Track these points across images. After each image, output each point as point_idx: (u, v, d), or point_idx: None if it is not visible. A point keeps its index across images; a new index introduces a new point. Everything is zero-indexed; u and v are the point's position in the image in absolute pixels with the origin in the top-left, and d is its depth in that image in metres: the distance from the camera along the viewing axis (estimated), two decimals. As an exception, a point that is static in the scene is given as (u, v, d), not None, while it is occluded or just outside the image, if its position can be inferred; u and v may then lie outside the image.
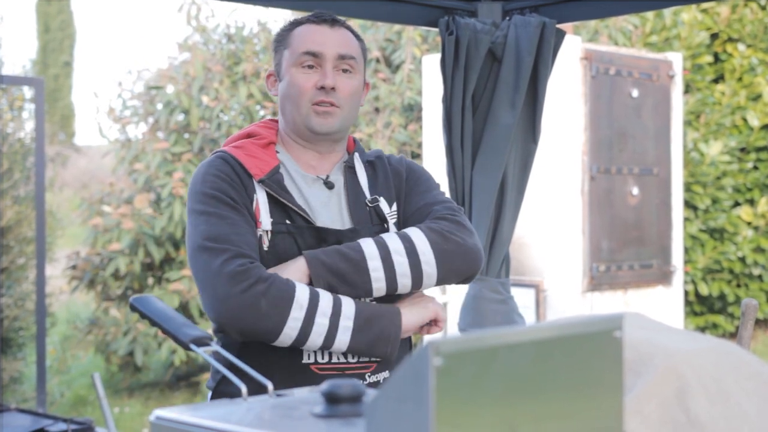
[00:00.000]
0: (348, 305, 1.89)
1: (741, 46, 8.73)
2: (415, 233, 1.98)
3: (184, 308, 6.98)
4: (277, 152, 2.09)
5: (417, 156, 7.31)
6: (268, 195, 1.98)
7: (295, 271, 1.90)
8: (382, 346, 1.92)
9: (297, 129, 2.07)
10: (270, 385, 1.30)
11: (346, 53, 2.06)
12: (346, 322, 1.88)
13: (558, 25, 3.03)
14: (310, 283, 1.90)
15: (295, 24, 2.12)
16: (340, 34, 2.09)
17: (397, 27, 7.66)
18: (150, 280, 7.43)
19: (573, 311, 5.42)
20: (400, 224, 2.08)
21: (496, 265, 3.08)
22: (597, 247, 5.61)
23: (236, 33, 7.91)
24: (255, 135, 2.11)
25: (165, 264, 7.35)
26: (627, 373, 1.31)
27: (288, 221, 1.98)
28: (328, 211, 2.04)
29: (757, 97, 8.62)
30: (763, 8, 8.82)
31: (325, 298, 1.88)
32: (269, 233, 1.96)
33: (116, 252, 7.11)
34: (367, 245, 1.94)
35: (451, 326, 5.60)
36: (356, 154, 2.15)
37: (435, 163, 5.70)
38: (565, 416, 1.04)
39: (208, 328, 6.70)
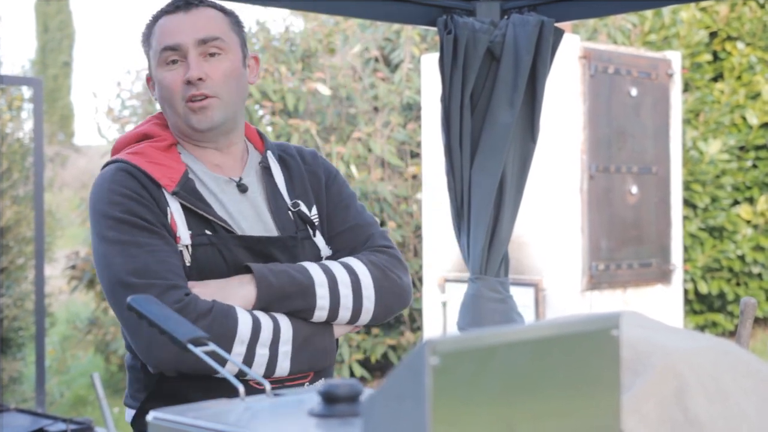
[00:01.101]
0: (286, 328, 1.83)
1: (740, 45, 8.73)
2: (359, 267, 1.92)
3: (183, 308, 6.98)
4: (180, 153, 1.92)
5: (416, 155, 7.31)
6: (183, 206, 1.83)
7: (242, 297, 1.80)
8: (320, 361, 1.88)
9: (181, 129, 1.92)
10: (267, 385, 1.29)
11: (206, 36, 1.87)
12: (285, 348, 1.81)
13: (556, 24, 3.03)
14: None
15: (154, 19, 1.93)
16: (197, 17, 1.89)
17: (395, 26, 7.66)
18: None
19: (572, 310, 5.42)
20: (324, 233, 2.00)
21: (495, 265, 3.08)
22: (596, 246, 5.61)
23: (235, 32, 7.89)
24: (151, 136, 1.93)
25: (164, 264, 7.35)
26: (625, 372, 1.31)
27: (208, 231, 1.83)
28: (246, 217, 1.91)
29: (756, 96, 8.62)
30: (761, 6, 8.82)
31: (266, 327, 1.80)
32: (189, 247, 1.81)
33: (115, 252, 7.10)
34: (316, 271, 1.87)
35: (450, 325, 5.60)
36: (269, 153, 2.01)
37: (434, 162, 5.70)
38: (562, 415, 1.04)
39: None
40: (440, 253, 5.79)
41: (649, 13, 8.46)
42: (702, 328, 8.47)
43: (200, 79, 1.86)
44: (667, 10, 8.44)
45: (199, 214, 1.84)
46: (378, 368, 7.29)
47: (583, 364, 1.06)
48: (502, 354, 0.98)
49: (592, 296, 5.59)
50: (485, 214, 3.02)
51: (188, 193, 1.84)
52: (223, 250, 1.83)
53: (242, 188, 1.93)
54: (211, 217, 1.84)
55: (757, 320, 9.03)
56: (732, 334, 8.54)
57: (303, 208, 1.97)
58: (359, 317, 1.92)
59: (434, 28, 3.09)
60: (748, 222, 8.42)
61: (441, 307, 5.71)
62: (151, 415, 1.19)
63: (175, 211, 1.83)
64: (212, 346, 1.41)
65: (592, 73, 5.59)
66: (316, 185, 2.03)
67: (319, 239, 1.98)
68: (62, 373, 7.73)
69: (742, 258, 8.36)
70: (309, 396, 1.25)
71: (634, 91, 5.83)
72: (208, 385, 1.75)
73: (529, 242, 5.48)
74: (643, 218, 5.92)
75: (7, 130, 6.87)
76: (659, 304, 5.99)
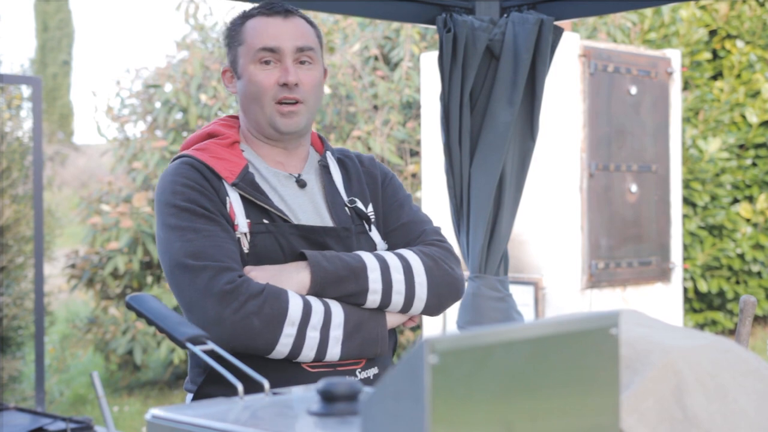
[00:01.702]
0: (337, 313, 1.89)
1: (739, 43, 8.73)
2: (410, 256, 1.99)
3: (183, 307, 6.98)
4: (242, 150, 2.04)
5: (416, 154, 7.30)
6: (242, 197, 1.94)
7: (297, 282, 1.88)
8: (371, 348, 1.93)
9: (261, 128, 2.03)
10: (266, 384, 1.29)
11: (304, 45, 2.00)
12: (336, 332, 1.88)
13: (556, 22, 3.02)
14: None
15: (245, 17, 2.04)
16: (295, 25, 2.02)
17: (395, 24, 7.66)
18: (149, 279, 7.43)
19: (572, 308, 5.42)
20: (380, 230, 2.08)
21: (494, 263, 3.08)
22: (596, 245, 5.61)
23: (234, 31, 7.89)
24: (217, 134, 2.05)
25: (164, 262, 7.35)
26: (624, 370, 1.31)
27: (266, 221, 1.93)
28: (304, 209, 2.00)
29: (755, 94, 8.62)
30: (761, 5, 8.82)
31: (317, 311, 1.87)
32: (248, 235, 1.91)
33: (115, 251, 7.11)
34: (368, 257, 1.95)
35: (450, 324, 5.60)
36: (328, 153, 2.11)
37: (434, 160, 5.70)
38: (561, 414, 1.04)
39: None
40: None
41: (648, 12, 8.46)
42: (702, 326, 8.47)
43: (296, 84, 1.98)
44: (666, 9, 8.44)
45: (257, 205, 1.94)
46: (378, 367, 7.28)
47: (582, 362, 1.06)
48: (500, 352, 0.98)
49: (591, 294, 5.59)
50: (485, 213, 3.02)
51: (247, 184, 1.94)
52: (279, 238, 1.92)
53: (301, 183, 2.03)
54: (268, 207, 1.93)
55: (756, 318, 9.03)
56: (732, 333, 8.55)
57: (359, 204, 2.06)
58: (412, 304, 1.97)
59: (434, 27, 3.08)
60: (748, 220, 8.42)
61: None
62: (149, 414, 1.19)
63: (234, 201, 1.93)
64: (210, 345, 1.41)
65: (592, 71, 5.59)
66: (373, 185, 2.12)
67: (375, 234, 2.06)
68: (62, 371, 7.74)
69: (741, 256, 8.36)
70: (308, 395, 1.25)
71: (633, 90, 5.83)
72: (260, 365, 1.80)
73: (529, 240, 5.48)
74: (643, 216, 5.92)
75: (6, 129, 6.87)
76: (659, 303, 5.99)
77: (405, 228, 2.09)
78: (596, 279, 5.59)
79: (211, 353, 1.39)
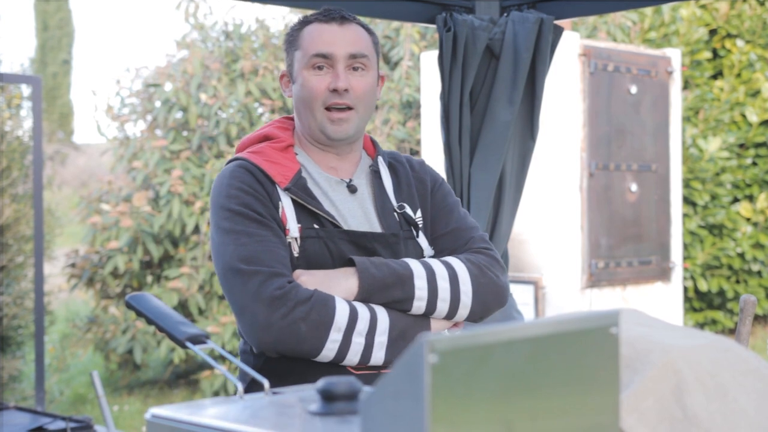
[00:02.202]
0: (383, 319, 1.93)
1: (740, 42, 8.73)
2: (456, 263, 2.03)
3: (183, 306, 6.98)
4: (296, 154, 2.07)
5: (416, 153, 7.31)
6: (294, 201, 1.97)
7: (345, 288, 1.92)
8: None
9: (313, 133, 2.06)
10: (266, 383, 1.29)
11: (357, 52, 2.03)
12: (381, 338, 1.92)
13: (556, 22, 3.02)
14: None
15: (304, 23, 2.09)
16: (350, 32, 2.05)
17: (395, 24, 7.66)
18: (149, 278, 7.43)
19: (572, 308, 5.42)
20: (427, 235, 2.11)
21: (494, 262, 3.08)
22: (596, 244, 5.61)
23: (234, 30, 7.90)
24: (272, 137, 2.09)
25: (164, 262, 7.35)
26: (624, 369, 1.31)
27: (316, 225, 1.97)
28: (354, 215, 2.04)
29: (755, 93, 8.62)
30: (761, 4, 8.82)
31: (363, 317, 1.90)
32: (298, 239, 1.95)
33: (115, 250, 7.10)
34: (415, 265, 1.98)
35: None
36: (379, 158, 2.14)
37: (434, 160, 5.70)
38: (561, 413, 1.04)
39: (206, 326, 6.70)
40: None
41: (648, 11, 8.46)
42: (702, 325, 8.47)
43: (346, 90, 2.01)
44: (666, 8, 8.44)
45: (308, 209, 1.97)
46: (378, 366, 7.28)
47: (582, 361, 1.06)
48: (500, 352, 0.98)
49: (591, 294, 5.59)
50: (485, 212, 3.02)
51: (299, 189, 1.98)
52: (329, 243, 1.96)
53: (352, 189, 2.06)
54: (319, 212, 1.97)
55: (756, 318, 9.03)
56: (732, 332, 8.55)
57: (408, 210, 2.09)
58: (456, 311, 2.01)
59: (434, 26, 3.08)
60: (748, 220, 8.42)
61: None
62: (149, 414, 1.19)
63: (287, 205, 1.97)
64: (211, 344, 1.41)
65: (592, 70, 5.58)
66: (422, 191, 2.15)
67: (422, 240, 2.09)
68: (62, 371, 7.74)
69: (741, 255, 8.36)
70: (308, 394, 1.24)
71: (633, 89, 5.83)
72: (308, 366, 1.88)
73: (529, 240, 5.48)
74: (643, 216, 5.92)
75: (6, 129, 6.87)
76: (659, 302, 5.99)
77: (453, 234, 2.12)
78: (596, 278, 5.59)
79: (211, 352, 1.39)
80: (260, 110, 7.41)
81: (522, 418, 1.00)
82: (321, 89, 2.01)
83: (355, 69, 2.03)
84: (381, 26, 7.75)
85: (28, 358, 6.78)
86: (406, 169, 2.16)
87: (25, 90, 7.39)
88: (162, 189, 7.02)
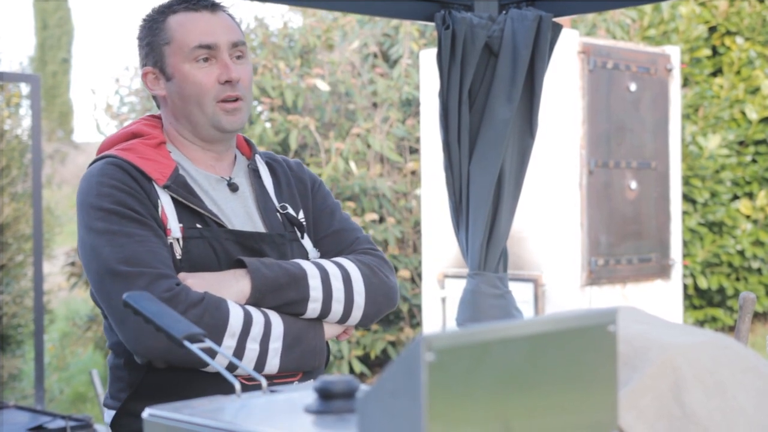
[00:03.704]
0: (277, 324, 1.83)
1: (739, 40, 8.72)
2: (347, 264, 1.95)
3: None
4: (170, 152, 1.93)
5: (415, 151, 7.30)
6: (174, 199, 1.84)
7: (237, 291, 1.80)
8: (310, 360, 1.88)
9: (199, 130, 1.92)
10: (264, 381, 1.29)
11: (237, 40, 1.92)
12: (276, 344, 1.81)
13: (555, 19, 3.02)
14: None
15: (165, 13, 1.93)
16: (225, 20, 1.94)
17: (394, 22, 7.65)
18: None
19: (572, 305, 5.41)
20: (311, 236, 2.02)
21: (493, 260, 3.07)
22: (595, 242, 5.61)
23: (233, 29, 7.88)
24: (142, 134, 1.94)
25: (163, 260, 7.34)
26: (622, 367, 1.31)
27: (199, 225, 1.84)
28: (237, 214, 1.93)
29: (755, 90, 8.61)
30: (761, 1, 8.81)
31: (257, 322, 1.80)
32: (180, 240, 1.82)
33: (114, 248, 7.09)
34: (308, 265, 1.89)
35: (450, 321, 5.60)
36: (257, 157, 2.04)
37: (433, 157, 5.69)
38: (559, 411, 1.03)
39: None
40: (439, 248, 5.78)
41: (648, 8, 8.45)
42: (702, 323, 8.47)
43: (239, 80, 1.90)
44: (666, 5, 8.43)
45: (190, 208, 1.85)
46: (377, 364, 7.29)
47: (580, 359, 1.06)
48: (497, 350, 0.98)
49: (591, 291, 5.59)
50: (484, 210, 3.01)
51: (179, 186, 1.85)
52: (214, 244, 1.84)
53: (233, 187, 1.95)
54: (202, 211, 1.85)
55: (756, 315, 9.03)
56: (732, 329, 8.54)
57: (290, 210, 2.00)
58: (351, 313, 1.92)
59: (433, 24, 3.08)
60: (748, 217, 8.42)
61: (440, 303, 5.71)
62: (146, 413, 1.18)
63: (166, 204, 1.83)
64: (208, 343, 1.40)
65: (591, 68, 5.58)
66: (303, 191, 2.06)
67: (306, 242, 2.00)
68: (61, 370, 7.74)
69: (741, 253, 8.36)
70: (305, 393, 1.24)
71: (633, 86, 5.82)
72: (195, 378, 1.74)
73: (528, 237, 5.47)
74: (643, 213, 5.91)
75: (5, 127, 6.87)
76: (659, 300, 5.98)
77: (337, 235, 2.04)
78: (596, 276, 5.59)
79: (209, 352, 1.39)
80: (259, 108, 7.41)
81: (519, 416, 0.99)
82: (211, 82, 1.88)
83: (237, 58, 1.91)
84: (380, 24, 7.74)
85: (28, 357, 6.78)
86: (285, 169, 2.07)
87: (24, 88, 7.38)
88: (161, 187, 7.00)
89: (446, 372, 0.92)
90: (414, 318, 7.12)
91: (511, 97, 2.99)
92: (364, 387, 1.14)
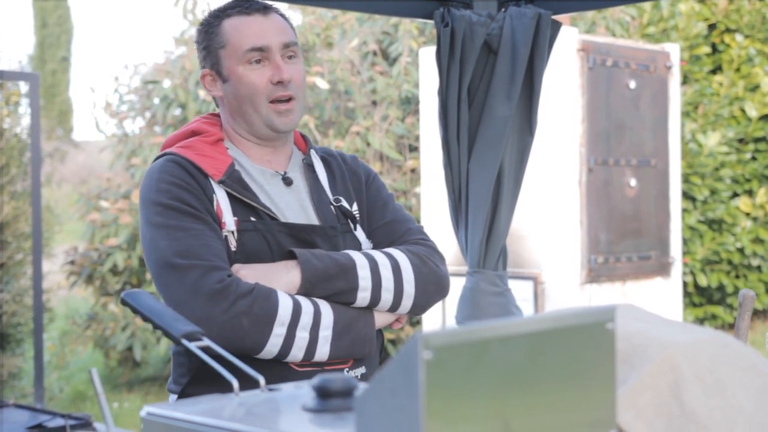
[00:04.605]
0: (327, 314, 1.89)
1: (739, 37, 8.72)
2: (398, 254, 2.00)
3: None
4: (227, 148, 2.02)
5: (415, 149, 7.30)
6: (228, 194, 1.92)
7: (287, 281, 1.87)
8: (360, 348, 1.94)
9: (255, 129, 2.01)
10: (262, 380, 1.29)
11: (289, 41, 2.00)
12: (325, 332, 1.87)
13: (554, 17, 3.02)
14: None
15: (219, 17, 2.02)
16: (277, 21, 2.01)
17: (393, 19, 7.64)
18: (148, 275, 7.42)
19: (571, 303, 5.41)
20: (364, 228, 2.08)
21: (493, 258, 3.07)
22: (595, 239, 5.61)
23: (233, 27, 7.88)
24: (201, 132, 2.03)
25: (163, 259, 7.34)
26: (621, 365, 1.31)
27: (253, 218, 1.92)
28: (291, 207, 2.00)
29: (755, 88, 8.61)
30: (760, -1, 8.81)
31: (307, 311, 1.86)
32: (235, 233, 1.90)
33: (114, 247, 7.10)
34: (357, 256, 1.95)
35: (449, 319, 5.59)
36: (312, 152, 2.11)
37: (433, 155, 5.69)
38: (557, 409, 1.03)
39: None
40: (439, 246, 5.77)
41: (647, 6, 8.45)
42: (701, 320, 8.47)
43: (290, 80, 1.97)
44: (665, 3, 8.43)
45: (244, 202, 1.93)
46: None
47: (579, 357, 1.06)
48: (496, 348, 0.97)
49: (591, 289, 5.59)
50: (483, 208, 3.01)
51: (234, 181, 1.93)
52: (267, 236, 1.91)
53: (287, 181, 2.03)
54: (256, 205, 1.92)
55: (756, 312, 9.03)
56: (731, 327, 8.54)
57: (344, 203, 2.06)
58: (401, 302, 1.98)
59: (432, 22, 3.08)
60: (748, 214, 8.42)
61: (440, 301, 5.71)
62: (144, 411, 1.18)
63: (221, 198, 1.91)
64: (206, 341, 1.40)
65: (591, 65, 5.58)
66: (357, 184, 2.12)
67: (359, 233, 2.06)
68: (61, 368, 7.74)
69: (741, 250, 8.36)
70: (303, 391, 1.24)
71: (632, 84, 5.82)
72: (251, 365, 1.78)
73: (528, 235, 5.47)
74: (642, 211, 5.91)
75: (4, 126, 6.86)
76: (658, 297, 5.98)
77: (389, 226, 2.09)
78: (596, 274, 5.59)
79: (207, 350, 1.39)
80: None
81: (518, 414, 0.99)
82: (263, 83, 1.96)
83: (289, 58, 1.99)
84: (380, 22, 7.74)
85: (28, 356, 6.78)
86: (339, 163, 2.13)
87: (24, 87, 7.38)
88: (161, 186, 7.01)
89: (444, 370, 0.92)
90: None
91: (511, 95, 2.98)
92: (361, 385, 1.14)
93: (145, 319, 1.45)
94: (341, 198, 2.06)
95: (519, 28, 2.96)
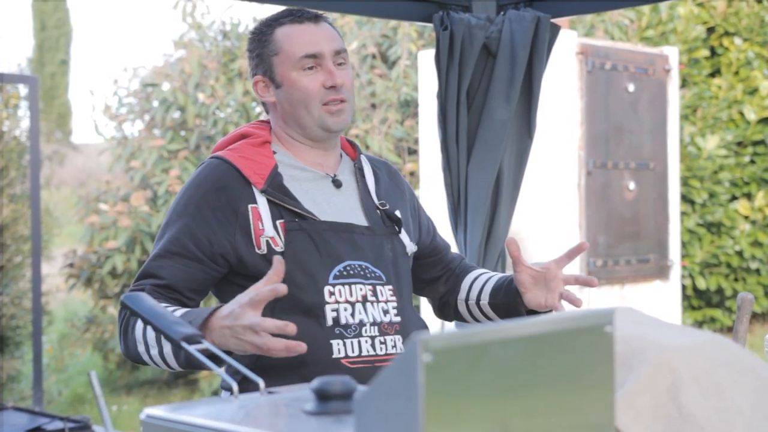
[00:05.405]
0: None
1: (737, 40, 8.72)
2: None
3: (181, 306, 6.97)
4: (274, 152, 2.08)
5: (414, 152, 7.30)
6: (270, 201, 1.99)
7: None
8: None
9: (308, 131, 2.08)
10: (261, 382, 1.29)
11: (339, 48, 2.08)
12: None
13: (553, 20, 3.02)
14: None
15: (272, 25, 2.09)
16: (327, 30, 2.09)
17: (392, 22, 7.65)
18: (147, 278, 7.41)
19: (570, 306, 5.41)
20: (408, 233, 2.17)
21: (492, 261, 3.07)
22: (594, 242, 5.61)
23: (232, 30, 7.90)
24: (249, 135, 2.11)
25: (162, 261, 7.33)
26: (619, 368, 1.31)
27: (297, 219, 1.99)
28: (337, 208, 2.06)
29: (753, 91, 8.61)
30: (759, 2, 8.81)
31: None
32: (281, 235, 1.96)
33: (113, 250, 7.10)
34: None
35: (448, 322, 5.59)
36: (362, 157, 2.20)
37: (432, 158, 5.69)
38: (556, 412, 1.03)
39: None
40: (438, 249, 5.78)
41: (646, 9, 8.46)
42: (700, 323, 8.47)
43: (342, 85, 2.05)
44: (664, 6, 8.44)
45: (286, 208, 2.00)
46: (376, 365, 7.28)
47: (577, 360, 1.06)
48: (495, 351, 0.98)
49: (590, 292, 5.59)
50: (482, 211, 3.02)
51: (275, 189, 1.99)
52: (313, 235, 1.98)
53: (337, 183, 2.10)
54: (296, 210, 1.99)
55: (755, 315, 9.03)
56: (730, 330, 8.54)
57: (389, 207, 2.14)
58: None
59: (431, 25, 3.08)
60: (746, 217, 8.42)
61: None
62: (144, 414, 1.18)
63: (261, 205, 1.98)
64: (205, 344, 1.40)
65: (590, 68, 5.58)
66: (400, 194, 2.23)
67: (404, 236, 2.14)
68: (60, 371, 7.73)
69: (740, 254, 8.35)
70: (303, 394, 1.24)
71: (631, 87, 5.83)
72: (303, 360, 1.85)
73: (527, 239, 5.47)
74: (641, 214, 5.92)
75: (4, 129, 6.87)
76: (657, 300, 5.99)
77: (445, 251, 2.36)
78: (594, 276, 5.59)
79: (206, 352, 1.39)
80: (258, 110, 7.41)
81: (517, 417, 0.99)
82: (316, 88, 2.04)
83: (339, 65, 2.07)
84: (379, 25, 7.74)
85: (27, 359, 6.77)
86: (383, 173, 2.23)
87: (23, 90, 7.38)
88: (160, 188, 7.01)
89: (443, 373, 0.92)
90: (413, 319, 7.11)
91: (510, 98, 2.99)
92: (361, 388, 1.14)
93: (145, 321, 1.45)
94: (386, 202, 2.14)
95: (518, 32, 2.96)
